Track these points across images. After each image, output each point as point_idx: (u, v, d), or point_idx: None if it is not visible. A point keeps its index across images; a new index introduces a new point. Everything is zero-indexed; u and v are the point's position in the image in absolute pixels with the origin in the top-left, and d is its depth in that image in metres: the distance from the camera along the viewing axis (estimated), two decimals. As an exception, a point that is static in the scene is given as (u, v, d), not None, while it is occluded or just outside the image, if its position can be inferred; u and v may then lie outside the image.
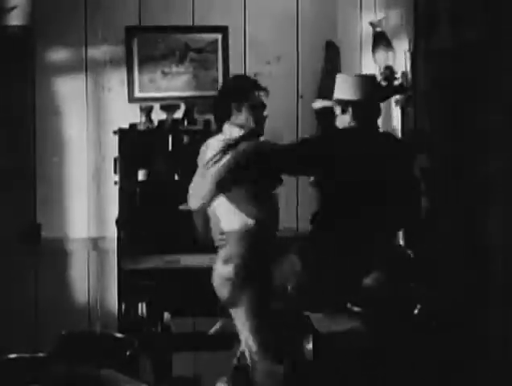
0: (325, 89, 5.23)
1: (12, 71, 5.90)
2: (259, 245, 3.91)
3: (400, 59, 4.41)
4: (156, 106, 5.70)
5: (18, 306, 5.86)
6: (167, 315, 5.43)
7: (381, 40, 4.53)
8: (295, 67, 6.01)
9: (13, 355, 4.15)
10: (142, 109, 5.68)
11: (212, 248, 5.19)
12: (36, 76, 5.89)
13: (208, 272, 4.98)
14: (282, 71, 5.98)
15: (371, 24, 4.69)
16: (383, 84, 4.38)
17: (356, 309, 3.73)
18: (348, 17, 5.67)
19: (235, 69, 5.92)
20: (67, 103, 5.90)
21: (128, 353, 3.31)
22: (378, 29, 4.62)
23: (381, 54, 4.51)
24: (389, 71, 4.41)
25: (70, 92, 5.90)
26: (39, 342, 5.80)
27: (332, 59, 5.81)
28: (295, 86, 5.99)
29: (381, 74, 4.45)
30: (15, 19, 5.89)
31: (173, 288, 5.38)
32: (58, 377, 3.30)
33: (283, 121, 5.64)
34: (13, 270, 5.83)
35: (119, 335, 3.39)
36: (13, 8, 5.82)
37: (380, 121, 4.09)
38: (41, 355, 3.80)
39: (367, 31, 4.95)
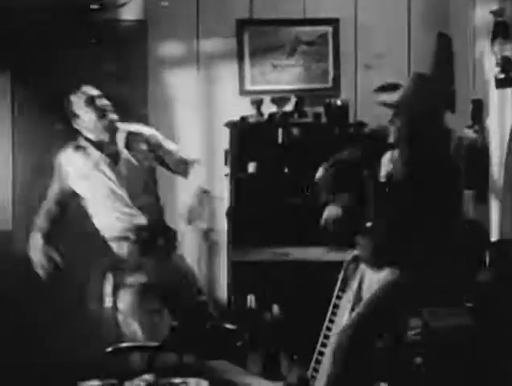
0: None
1: (125, 64, 6.00)
2: None
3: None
4: (266, 99, 5.71)
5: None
6: (275, 307, 5.44)
7: (500, 30, 4.40)
8: (405, 58, 5.92)
9: (126, 344, 4.24)
10: (252, 102, 5.70)
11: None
12: (149, 69, 5.97)
13: (316, 265, 4.98)
14: (394, 62, 5.89)
15: (493, 13, 4.56)
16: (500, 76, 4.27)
17: (469, 305, 3.67)
18: (460, 6, 5.53)
19: (346, 61, 5.88)
20: (179, 95, 5.96)
21: (238, 344, 3.31)
22: (500, 18, 4.49)
23: (499, 44, 4.39)
24: (506, 62, 4.29)
25: (182, 84, 5.96)
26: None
27: (443, 50, 5.68)
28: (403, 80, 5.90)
29: (497, 64, 4.34)
30: (128, 13, 5.99)
31: (282, 280, 5.40)
32: (170, 367, 3.34)
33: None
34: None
35: (230, 326, 3.39)
36: (126, 2, 5.92)
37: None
38: (153, 344, 3.85)
39: (481, 21, 4.84)
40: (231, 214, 5.50)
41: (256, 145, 5.67)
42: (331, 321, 3.87)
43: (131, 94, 5.97)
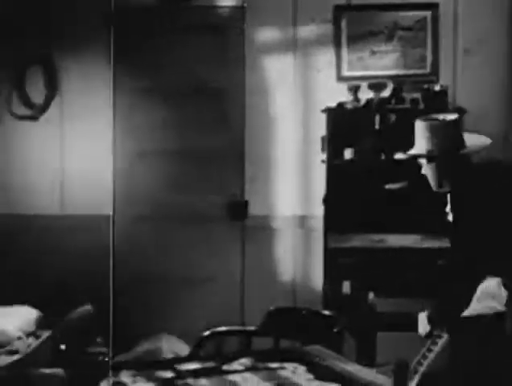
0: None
1: (223, 50, 6.06)
2: None
3: None
4: (364, 85, 5.68)
5: (225, 280, 6.05)
6: (371, 294, 5.43)
7: None
8: (505, 43, 5.81)
9: (222, 328, 4.31)
10: (349, 88, 5.67)
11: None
12: (246, 55, 6.01)
13: (414, 252, 4.94)
14: (493, 47, 5.79)
15: None
16: None
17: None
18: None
19: (445, 46, 5.81)
20: (276, 82, 5.99)
21: (335, 330, 3.33)
22: None
23: None
24: None
25: (279, 71, 5.97)
26: (245, 315, 5.97)
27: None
28: (504, 65, 5.80)
29: None
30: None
31: (378, 267, 5.37)
32: (265, 351, 3.37)
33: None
34: (222, 244, 6.03)
35: (326, 313, 3.41)
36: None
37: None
38: (249, 328, 3.90)
39: None
40: (327, 200, 5.50)
41: (353, 132, 5.65)
42: None
43: (229, 80, 6.03)
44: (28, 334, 5.00)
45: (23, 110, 6.19)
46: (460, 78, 5.80)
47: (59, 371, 3.06)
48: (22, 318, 5.10)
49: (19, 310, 5.21)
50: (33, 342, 4.94)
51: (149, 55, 6.10)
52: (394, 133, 5.58)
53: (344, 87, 5.72)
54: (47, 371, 3.07)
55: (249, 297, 6.01)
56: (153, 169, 6.18)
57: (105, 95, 6.14)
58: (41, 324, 5.23)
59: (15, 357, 4.56)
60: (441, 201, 5.32)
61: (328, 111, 5.61)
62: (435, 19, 5.79)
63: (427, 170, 3.87)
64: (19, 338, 4.87)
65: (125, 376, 2.94)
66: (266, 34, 6.03)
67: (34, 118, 6.18)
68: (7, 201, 6.23)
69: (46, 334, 5.14)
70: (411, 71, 5.82)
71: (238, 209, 6.01)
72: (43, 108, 6.17)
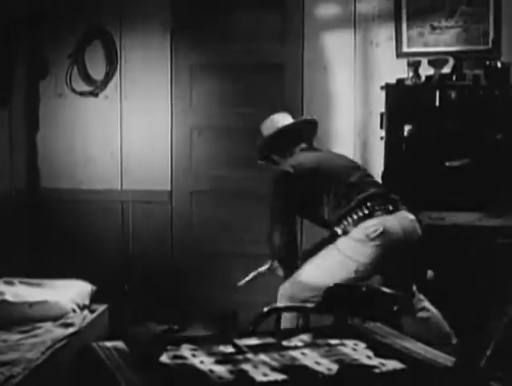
0: None
1: (282, 25, 6.04)
2: None
3: None
4: (424, 61, 5.61)
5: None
6: (429, 272, 5.39)
7: None
8: None
9: (280, 305, 4.33)
10: (409, 64, 5.60)
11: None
12: (305, 30, 5.98)
13: (473, 230, 4.89)
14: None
15: None
16: None
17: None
18: None
19: (507, 22, 5.70)
20: (335, 58, 5.95)
21: (395, 308, 3.32)
22: None
23: None
24: None
25: (338, 46, 5.93)
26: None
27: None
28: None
29: None
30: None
31: (437, 245, 5.32)
32: (325, 328, 3.38)
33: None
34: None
35: (386, 290, 3.40)
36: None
37: None
38: (309, 305, 3.91)
39: None
40: (386, 177, 5.46)
41: (412, 108, 5.58)
42: None
43: (288, 55, 6.02)
44: (82, 308, 5.05)
45: (83, 86, 6.25)
46: (523, 54, 5.69)
47: (119, 343, 3.08)
48: (77, 291, 5.13)
49: (74, 284, 5.24)
50: (88, 315, 4.99)
51: (208, 30, 6.11)
52: (454, 110, 5.51)
53: (404, 63, 5.65)
54: (108, 343, 3.10)
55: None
56: (212, 145, 6.21)
57: (164, 71, 6.18)
58: (95, 298, 5.28)
59: (70, 329, 4.61)
60: (502, 179, 5.29)
61: (388, 87, 5.55)
62: (498, -6, 5.69)
63: None
64: (74, 311, 4.91)
65: (185, 350, 2.97)
66: (326, 8, 5.99)
67: (94, 94, 6.24)
68: (69, 175, 6.31)
69: (101, 308, 5.20)
70: (473, 47, 5.73)
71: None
72: (103, 84, 6.22)
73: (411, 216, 4.51)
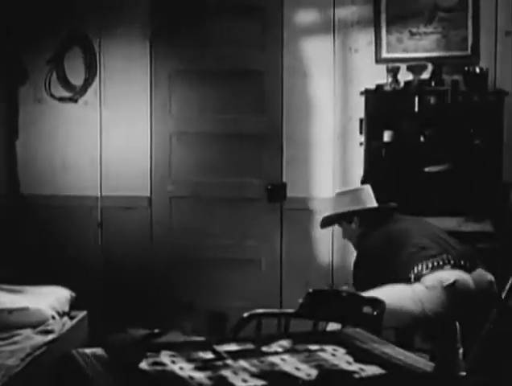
0: None
1: (262, 31, 6.04)
2: None
3: None
4: (403, 67, 5.63)
5: (263, 261, 6.08)
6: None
7: None
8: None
9: (260, 311, 4.30)
10: (388, 70, 5.62)
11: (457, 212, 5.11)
12: (284, 37, 5.99)
13: (453, 235, 4.89)
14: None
15: None
16: None
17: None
18: None
19: (485, 28, 5.73)
20: (314, 64, 5.96)
21: (375, 313, 3.31)
22: None
23: None
24: None
25: (317, 52, 5.95)
26: (283, 296, 5.99)
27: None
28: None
29: None
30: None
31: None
32: (304, 333, 3.37)
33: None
34: (260, 225, 6.05)
35: (366, 295, 3.39)
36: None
37: None
38: (288, 311, 3.89)
39: None
40: (365, 183, 5.47)
41: (392, 114, 5.61)
42: None
43: (267, 61, 6.03)
44: (62, 315, 5.02)
45: (62, 92, 6.24)
46: (501, 60, 5.72)
47: (98, 350, 3.07)
48: (56, 297, 5.10)
49: (53, 290, 5.21)
50: (67, 322, 4.96)
51: (187, 37, 6.10)
52: (433, 116, 5.53)
53: (383, 68, 5.67)
54: (87, 350, 3.08)
55: (286, 278, 6.03)
56: (191, 151, 6.20)
57: (143, 77, 6.17)
58: (74, 305, 5.26)
59: (50, 336, 4.58)
60: (481, 184, 5.31)
61: (367, 93, 5.57)
62: (476, 0, 5.72)
63: None
64: (53, 317, 4.88)
65: (164, 356, 2.96)
66: (305, 15, 6.00)
67: (73, 100, 6.22)
68: (49, 181, 6.29)
69: (80, 314, 5.18)
70: (451, 53, 5.76)
71: (276, 191, 6.01)
72: (83, 90, 6.21)
73: (490, 276, 4.31)
